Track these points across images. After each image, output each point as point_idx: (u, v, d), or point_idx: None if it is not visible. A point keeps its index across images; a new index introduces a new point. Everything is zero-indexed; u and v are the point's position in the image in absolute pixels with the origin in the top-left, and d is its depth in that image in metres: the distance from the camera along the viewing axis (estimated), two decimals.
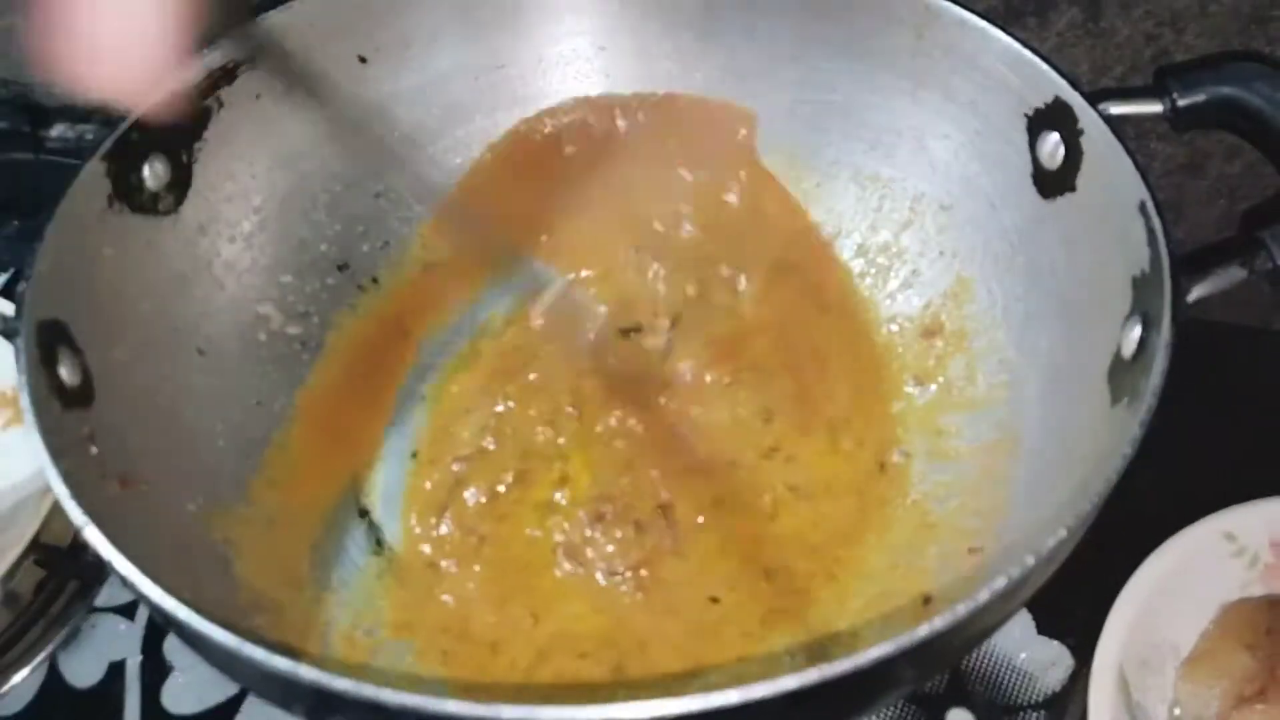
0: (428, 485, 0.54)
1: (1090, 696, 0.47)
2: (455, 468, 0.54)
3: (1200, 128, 0.49)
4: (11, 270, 0.62)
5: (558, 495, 0.53)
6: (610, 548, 0.51)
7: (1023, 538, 0.44)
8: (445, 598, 0.51)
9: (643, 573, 0.51)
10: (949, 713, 0.51)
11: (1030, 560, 0.35)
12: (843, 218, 0.59)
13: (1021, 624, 0.53)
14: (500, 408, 0.55)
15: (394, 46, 0.56)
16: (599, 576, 0.51)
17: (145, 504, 0.44)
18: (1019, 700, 0.52)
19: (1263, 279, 0.44)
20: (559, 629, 0.50)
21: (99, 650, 0.54)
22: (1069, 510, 0.37)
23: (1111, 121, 0.46)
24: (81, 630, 0.54)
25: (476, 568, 0.51)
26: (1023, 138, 0.51)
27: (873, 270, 0.59)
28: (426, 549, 0.52)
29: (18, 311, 0.42)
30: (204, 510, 0.47)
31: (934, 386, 0.55)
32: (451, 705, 0.31)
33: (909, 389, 0.56)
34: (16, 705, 0.52)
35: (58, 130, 0.50)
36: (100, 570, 0.54)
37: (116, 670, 0.53)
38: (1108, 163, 0.46)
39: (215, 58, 0.51)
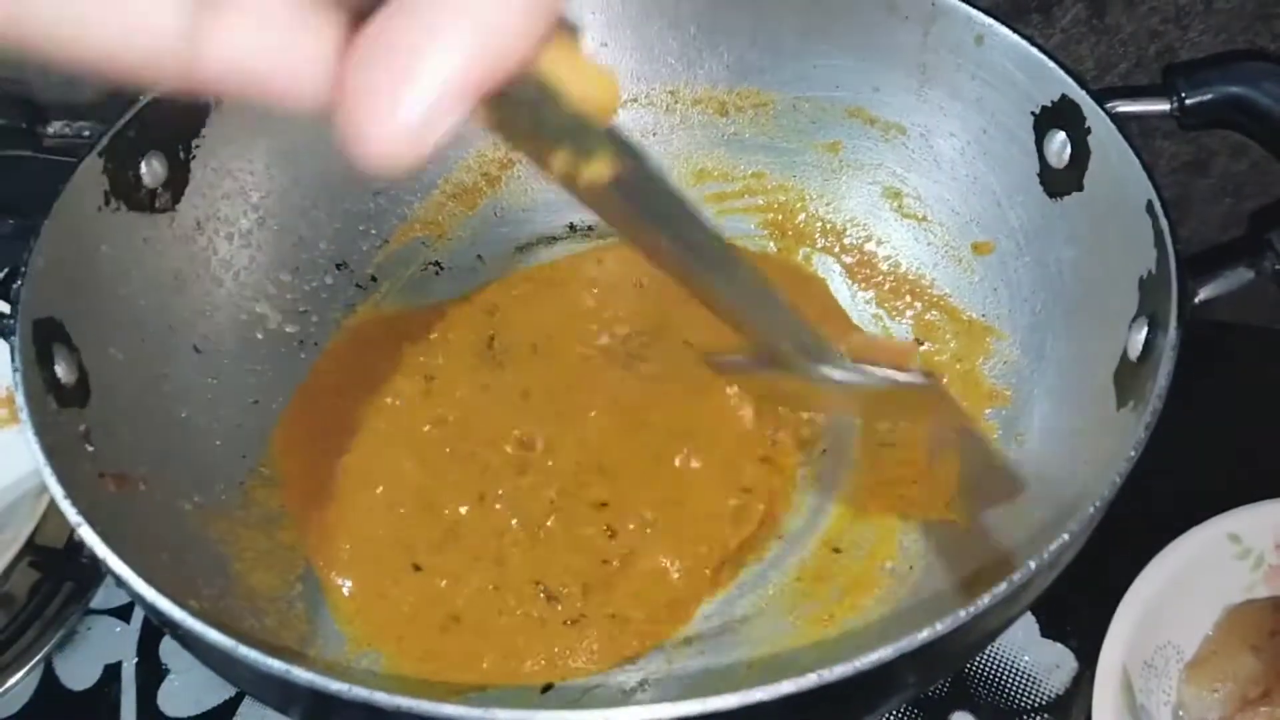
0: None
1: (1094, 699, 0.47)
2: None
3: (1208, 127, 0.49)
4: (8, 268, 0.61)
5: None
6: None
7: (1025, 542, 0.43)
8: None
9: None
10: (952, 716, 0.51)
11: (1031, 565, 0.35)
12: (847, 216, 0.59)
13: (1025, 626, 0.53)
14: None
15: None
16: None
17: (141, 503, 0.43)
18: (1022, 703, 0.51)
19: (1270, 281, 0.43)
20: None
21: (94, 653, 0.54)
22: (1071, 515, 0.37)
23: (1119, 120, 0.46)
24: (77, 632, 0.54)
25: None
26: (1029, 136, 0.50)
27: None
28: None
29: (13, 309, 0.42)
30: (201, 510, 0.47)
31: None
32: (447, 709, 0.31)
33: None
34: (12, 708, 0.52)
35: (55, 127, 0.50)
36: (96, 572, 0.54)
37: (112, 673, 0.53)
38: (1115, 162, 0.46)
39: None
